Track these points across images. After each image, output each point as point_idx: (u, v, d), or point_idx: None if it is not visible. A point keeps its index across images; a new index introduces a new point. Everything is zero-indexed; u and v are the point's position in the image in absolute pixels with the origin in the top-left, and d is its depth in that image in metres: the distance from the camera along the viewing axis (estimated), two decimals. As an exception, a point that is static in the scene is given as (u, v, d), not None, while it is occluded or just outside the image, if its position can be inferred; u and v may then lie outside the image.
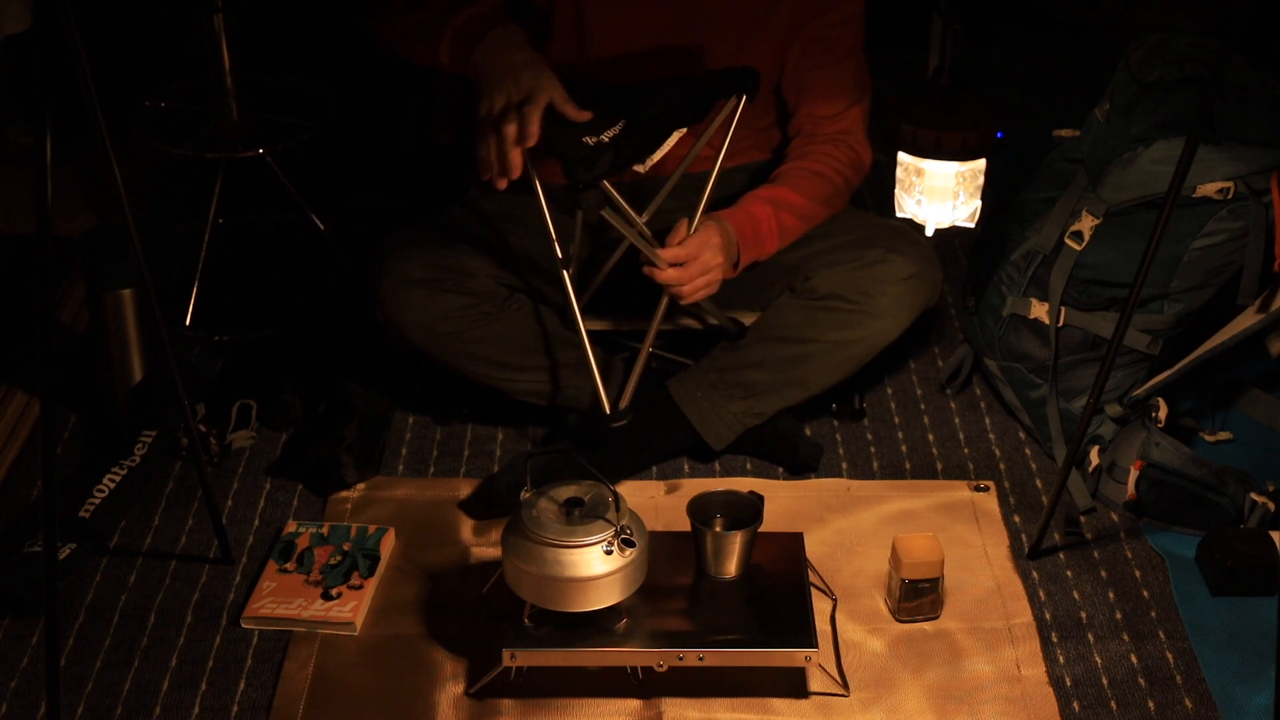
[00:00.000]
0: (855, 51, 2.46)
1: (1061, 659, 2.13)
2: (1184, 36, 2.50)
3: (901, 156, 2.25)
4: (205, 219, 2.95)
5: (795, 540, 2.18)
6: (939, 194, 2.25)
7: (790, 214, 2.40)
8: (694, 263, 2.28)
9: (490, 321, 2.39)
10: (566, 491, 2.02)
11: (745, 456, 2.52)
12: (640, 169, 2.24)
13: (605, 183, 2.16)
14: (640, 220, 2.29)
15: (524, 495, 2.02)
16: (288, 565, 2.26)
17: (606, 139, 2.12)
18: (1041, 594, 2.25)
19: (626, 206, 2.25)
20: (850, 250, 2.41)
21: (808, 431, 2.58)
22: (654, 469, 2.49)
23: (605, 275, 2.45)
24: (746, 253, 2.36)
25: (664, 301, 2.34)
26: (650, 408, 2.46)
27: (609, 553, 1.96)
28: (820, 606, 2.17)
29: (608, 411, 2.28)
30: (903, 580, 2.15)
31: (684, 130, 2.25)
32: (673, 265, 2.28)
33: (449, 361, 2.42)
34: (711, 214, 2.33)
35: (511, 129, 2.12)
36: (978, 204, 2.27)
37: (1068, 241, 2.46)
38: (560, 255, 2.24)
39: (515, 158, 2.13)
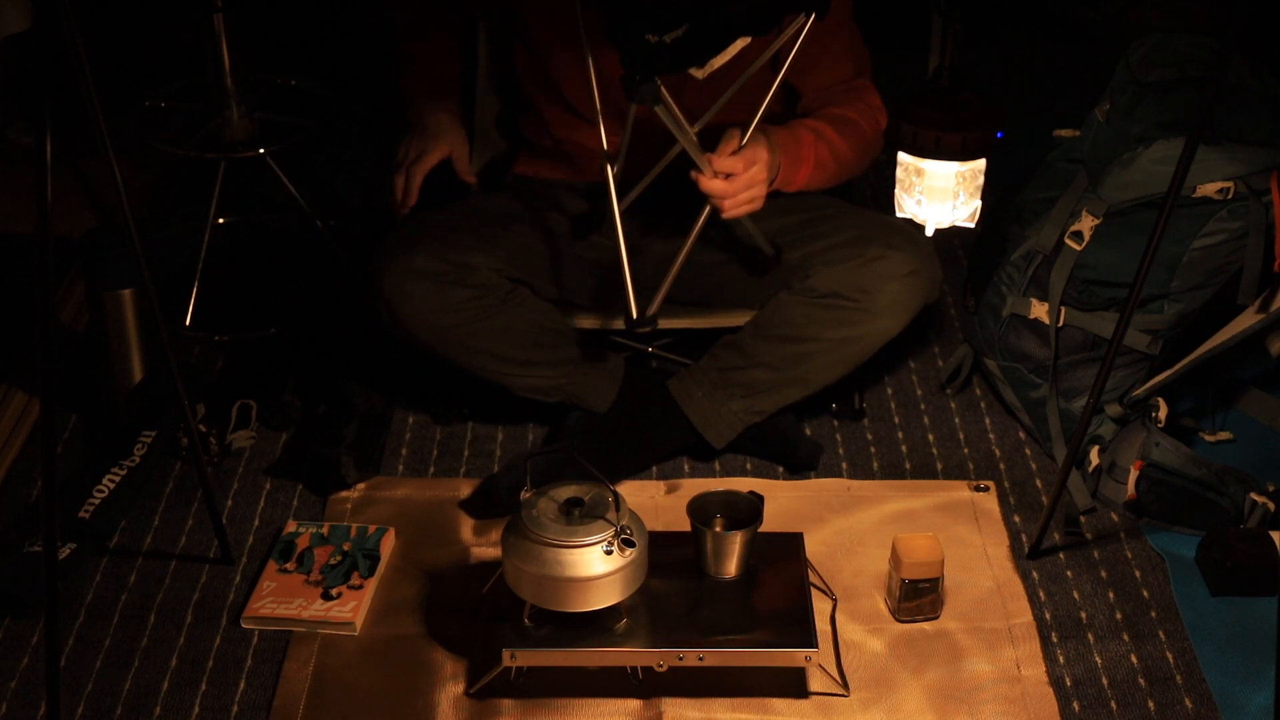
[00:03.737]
0: (848, 21, 2.48)
1: (1061, 659, 2.13)
2: (1184, 36, 2.50)
3: (901, 156, 2.25)
4: (205, 219, 2.95)
5: (795, 540, 2.19)
6: (939, 194, 2.25)
7: (827, 149, 2.41)
8: (741, 176, 2.27)
9: (493, 314, 2.38)
10: (566, 491, 2.02)
11: (745, 456, 2.52)
12: (698, 74, 2.23)
13: (662, 87, 2.16)
14: (691, 130, 2.28)
15: (524, 495, 2.02)
16: (288, 565, 2.26)
17: (669, 39, 2.13)
18: (1041, 594, 2.25)
19: (678, 112, 2.24)
20: (849, 248, 2.41)
21: (808, 431, 2.58)
22: (654, 469, 2.49)
23: (647, 184, 2.40)
24: (782, 174, 2.36)
25: (705, 212, 2.31)
26: (651, 407, 2.46)
27: (609, 553, 1.96)
28: (820, 606, 2.17)
29: (635, 317, 2.26)
30: (903, 580, 2.15)
31: (747, 40, 2.23)
32: (721, 176, 2.27)
33: (451, 356, 2.41)
34: (761, 128, 2.32)
35: (399, 181, 2.50)
36: (978, 204, 2.27)
37: (1068, 241, 2.46)
38: (605, 148, 2.26)
39: (408, 203, 2.50)
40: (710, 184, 2.26)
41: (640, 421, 2.43)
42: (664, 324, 2.42)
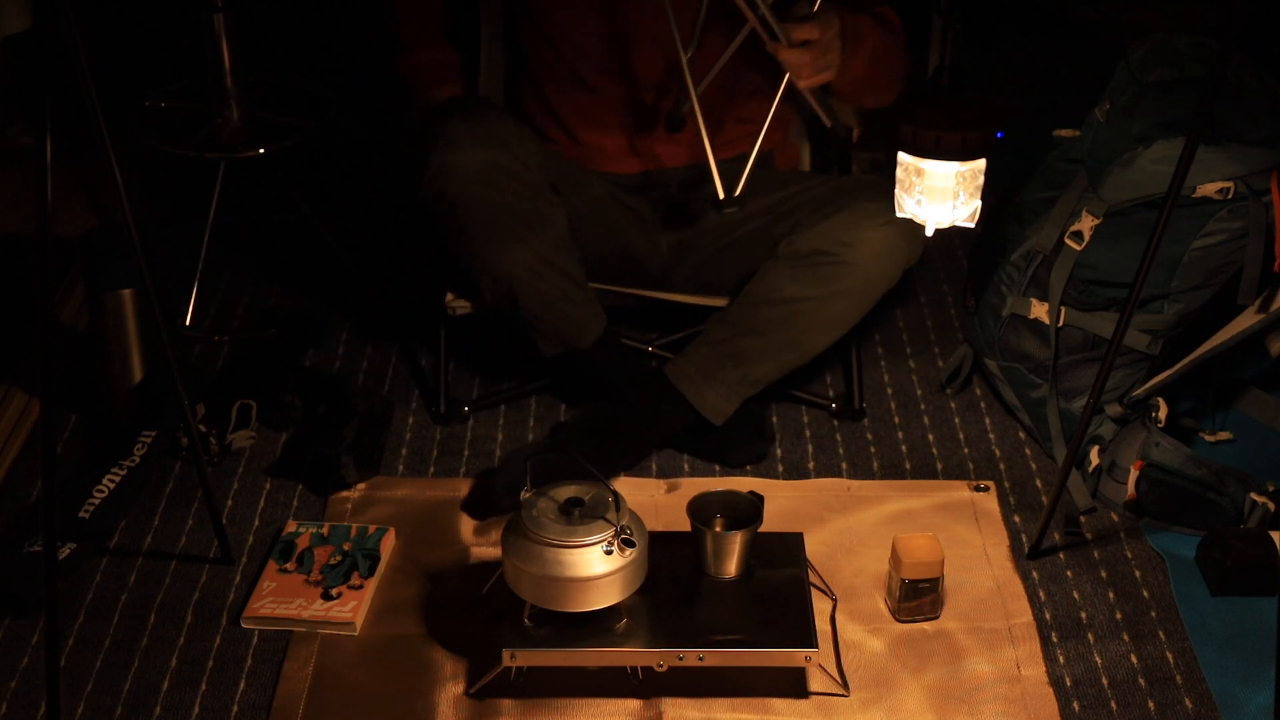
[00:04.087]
0: None
1: (1061, 659, 2.13)
2: (1184, 36, 2.50)
3: (901, 156, 2.24)
4: (205, 219, 2.95)
5: (795, 540, 2.18)
6: (939, 194, 2.24)
7: (880, 39, 2.41)
8: (818, 42, 2.28)
9: (537, 206, 2.38)
10: (566, 491, 2.02)
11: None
12: None
13: None
14: (763, 3, 2.29)
15: (524, 495, 2.02)
16: (288, 565, 2.26)
17: None
18: (1041, 594, 2.25)
19: None
20: (827, 205, 2.45)
21: (807, 433, 2.58)
22: (654, 468, 2.50)
23: (723, 63, 2.40)
24: (845, 52, 2.35)
25: (783, 83, 2.33)
26: (647, 393, 2.47)
27: (609, 553, 1.96)
28: (820, 606, 2.17)
29: (722, 197, 2.30)
30: (903, 580, 2.15)
31: None
32: (797, 45, 2.27)
33: (487, 241, 2.38)
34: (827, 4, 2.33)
35: None
36: (978, 204, 2.27)
37: (1068, 241, 2.46)
38: (680, 42, 2.28)
39: None
40: (788, 54, 2.27)
41: (640, 411, 2.44)
42: (676, 298, 2.47)
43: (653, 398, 2.48)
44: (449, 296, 2.56)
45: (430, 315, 2.68)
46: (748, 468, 2.50)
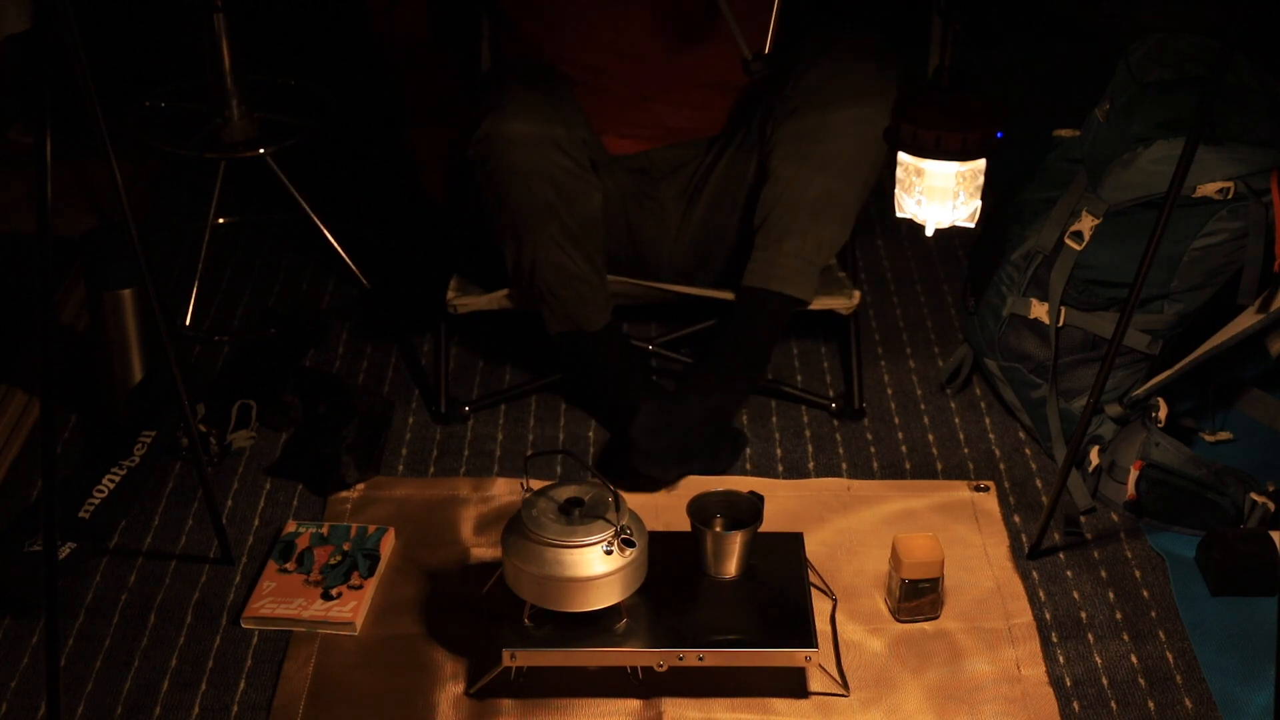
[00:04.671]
0: None
1: (1061, 659, 2.13)
2: (1184, 36, 2.50)
3: (901, 156, 2.24)
4: (205, 219, 2.95)
5: (795, 540, 2.18)
6: (939, 194, 2.24)
7: None
8: None
9: (576, 186, 2.40)
10: (566, 491, 2.02)
11: (743, 458, 2.52)
12: None
13: None
14: None
15: (524, 495, 2.02)
16: (288, 565, 2.26)
17: None
18: (1041, 594, 2.25)
19: None
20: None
21: (807, 433, 2.58)
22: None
23: None
24: None
25: None
26: (739, 319, 2.51)
27: (609, 553, 1.96)
28: (820, 606, 2.17)
29: (750, 57, 2.25)
30: (903, 580, 2.15)
31: None
32: None
33: (523, 214, 2.40)
34: None
35: None
36: (978, 204, 2.27)
37: (1068, 241, 2.46)
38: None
39: None
40: None
41: (702, 392, 2.45)
42: (678, 289, 2.47)
43: (744, 317, 2.50)
44: (450, 294, 2.56)
45: (430, 314, 2.69)
46: (747, 467, 2.50)
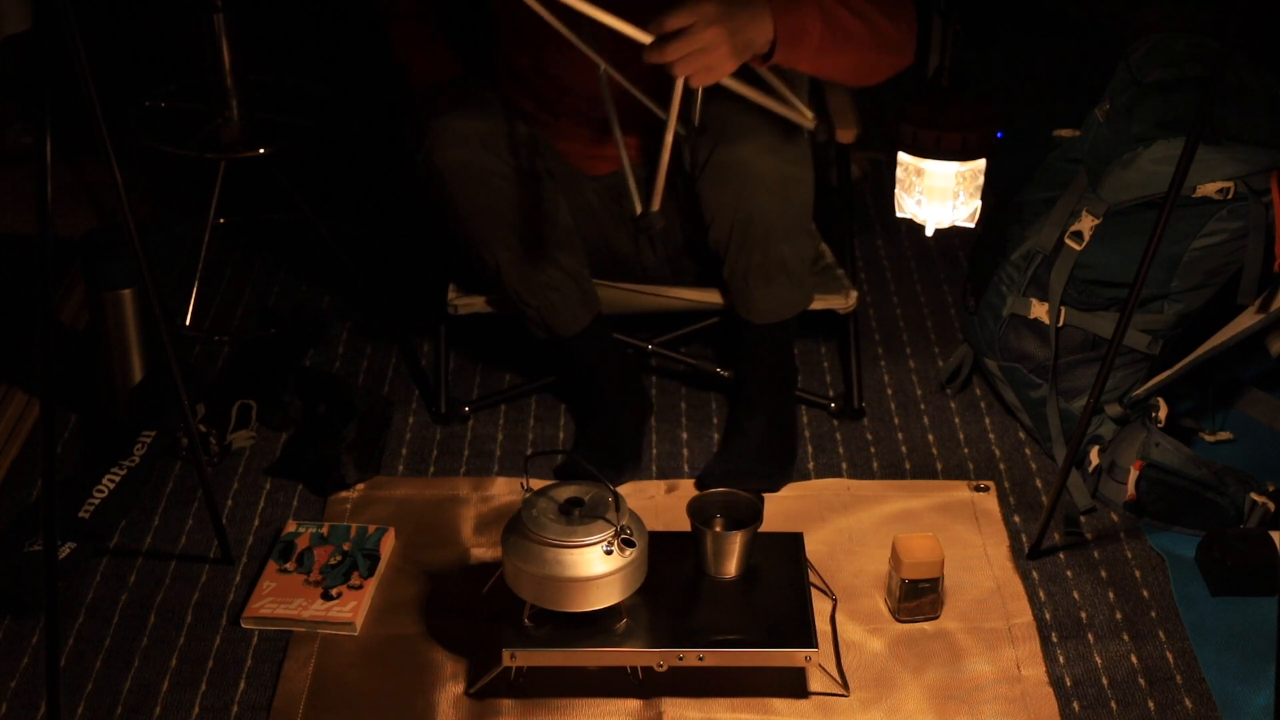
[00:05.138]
0: None
1: (1061, 659, 2.13)
2: (1184, 36, 2.50)
3: (901, 156, 2.24)
4: (205, 219, 2.95)
5: (795, 540, 2.18)
6: (939, 194, 2.25)
7: (842, 5, 2.12)
8: (692, 35, 1.99)
9: (528, 188, 2.37)
10: (566, 491, 2.02)
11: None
12: None
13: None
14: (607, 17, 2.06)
15: (524, 495, 2.02)
16: (288, 565, 2.26)
17: None
18: (1041, 594, 2.25)
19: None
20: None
21: (807, 433, 2.58)
22: (654, 469, 2.49)
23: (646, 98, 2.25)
24: (781, 36, 2.08)
25: (676, 91, 2.05)
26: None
27: (609, 553, 1.96)
28: (820, 606, 2.17)
29: (639, 212, 2.13)
30: (903, 580, 2.15)
31: None
32: (661, 41, 2.01)
33: (476, 224, 2.37)
34: None
35: None
36: (978, 204, 2.27)
37: (1068, 241, 2.46)
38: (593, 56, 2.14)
39: None
40: (658, 54, 2.00)
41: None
42: (663, 291, 2.45)
43: (752, 345, 2.50)
44: (450, 294, 2.56)
45: (430, 314, 2.68)
46: (748, 468, 2.50)
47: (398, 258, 3.08)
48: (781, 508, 2.38)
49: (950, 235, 2.92)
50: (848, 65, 2.21)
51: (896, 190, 2.37)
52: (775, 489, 2.44)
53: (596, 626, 2.01)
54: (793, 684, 2.06)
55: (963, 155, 2.18)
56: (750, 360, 2.54)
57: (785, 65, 2.14)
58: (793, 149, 2.37)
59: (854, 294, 2.60)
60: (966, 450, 2.55)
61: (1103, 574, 2.28)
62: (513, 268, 2.41)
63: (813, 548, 2.25)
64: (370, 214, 3.23)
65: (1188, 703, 2.06)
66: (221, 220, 3.08)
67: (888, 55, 2.23)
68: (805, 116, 2.27)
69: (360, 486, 2.45)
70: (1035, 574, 2.28)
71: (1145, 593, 2.25)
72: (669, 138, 2.07)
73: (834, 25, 2.12)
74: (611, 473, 2.37)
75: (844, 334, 2.72)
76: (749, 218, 2.38)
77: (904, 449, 2.56)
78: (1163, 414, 2.37)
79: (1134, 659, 2.13)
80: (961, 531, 2.36)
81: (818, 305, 2.56)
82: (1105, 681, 2.10)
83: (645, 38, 2.01)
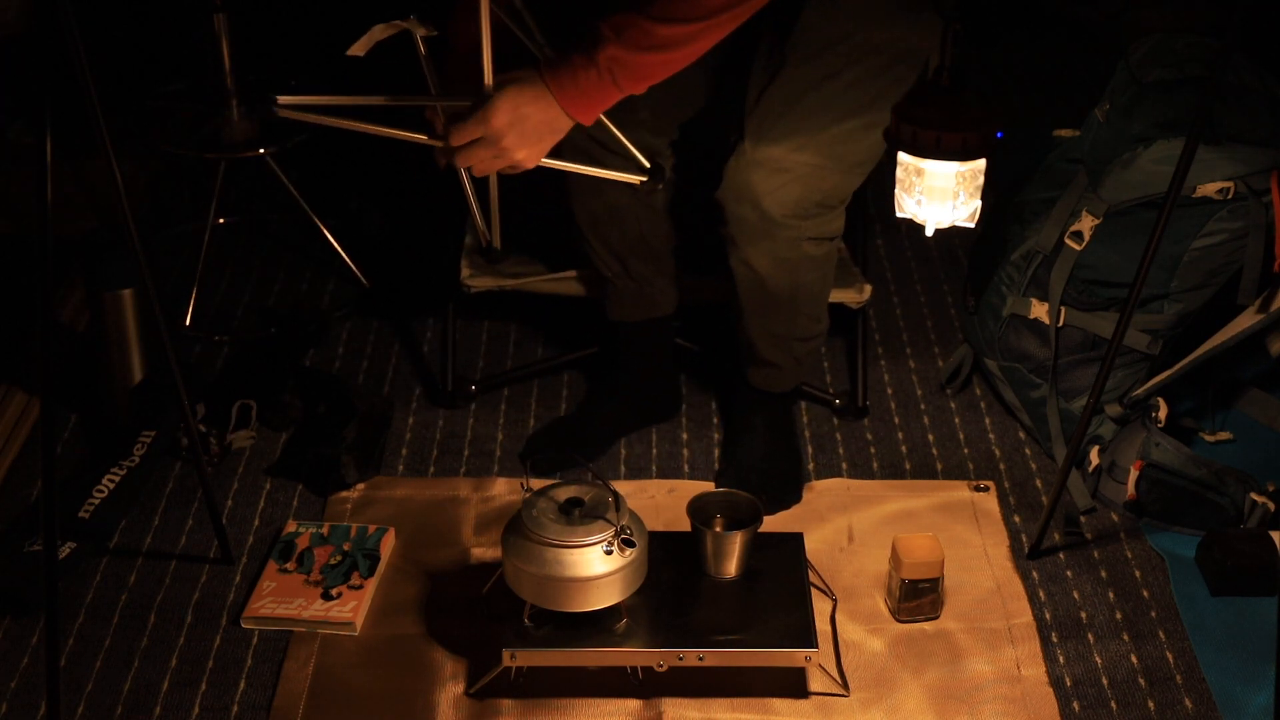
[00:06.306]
0: None
1: (1061, 659, 2.13)
2: (1184, 36, 2.50)
3: (901, 156, 2.24)
4: (205, 219, 2.95)
5: (795, 540, 2.18)
6: (939, 194, 2.24)
7: (632, 41, 1.94)
8: (485, 140, 1.99)
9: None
10: (566, 491, 2.02)
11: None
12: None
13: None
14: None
15: (524, 495, 2.02)
16: (288, 565, 2.26)
17: None
18: (1041, 594, 2.25)
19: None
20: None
21: (807, 433, 2.58)
22: (654, 469, 2.50)
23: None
24: (568, 104, 1.99)
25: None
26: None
27: (609, 553, 1.96)
28: (820, 606, 2.17)
29: (484, 245, 2.13)
30: (903, 580, 2.15)
31: None
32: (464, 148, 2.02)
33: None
34: (515, 74, 2.01)
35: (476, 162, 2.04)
36: (978, 204, 2.27)
37: (1068, 241, 2.46)
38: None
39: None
40: (460, 159, 2.03)
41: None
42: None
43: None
44: (464, 273, 2.56)
45: (431, 313, 2.69)
46: (748, 468, 2.51)
47: (397, 257, 3.08)
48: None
49: (950, 235, 2.93)
50: (702, 47, 2.00)
51: (896, 190, 2.36)
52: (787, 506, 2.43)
53: (596, 626, 2.01)
54: (793, 684, 2.06)
55: (963, 155, 2.17)
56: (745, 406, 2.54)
57: (615, 104, 2.03)
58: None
59: (868, 288, 2.59)
60: (966, 450, 2.55)
61: (1103, 574, 2.29)
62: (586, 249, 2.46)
63: (813, 548, 2.25)
64: (370, 214, 3.23)
65: (1188, 703, 2.06)
66: (221, 220, 3.08)
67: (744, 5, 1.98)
68: (633, 178, 2.19)
69: (360, 486, 2.45)
70: (1035, 574, 2.28)
71: (1145, 593, 2.25)
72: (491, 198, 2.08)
73: (635, 52, 1.95)
74: (571, 451, 2.37)
75: (849, 331, 2.72)
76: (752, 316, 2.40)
77: (904, 449, 2.56)
78: (1163, 414, 2.37)
79: (1134, 659, 2.13)
80: (961, 531, 2.36)
81: (830, 299, 2.55)
82: (1105, 681, 2.10)
83: (438, 143, 2.04)
